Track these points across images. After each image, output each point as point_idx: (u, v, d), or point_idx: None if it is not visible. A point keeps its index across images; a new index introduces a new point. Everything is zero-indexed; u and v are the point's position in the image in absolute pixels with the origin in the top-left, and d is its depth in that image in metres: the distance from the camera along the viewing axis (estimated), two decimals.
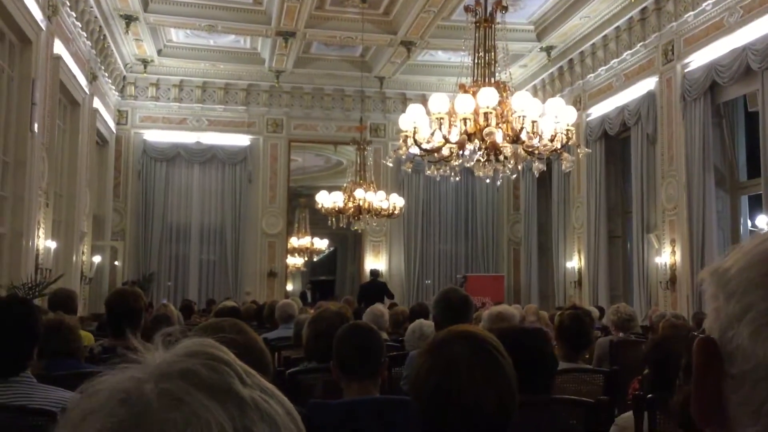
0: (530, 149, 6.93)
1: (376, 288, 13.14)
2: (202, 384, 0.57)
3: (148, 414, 0.55)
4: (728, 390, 0.70)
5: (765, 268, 0.69)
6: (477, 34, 7.56)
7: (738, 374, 0.69)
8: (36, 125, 9.66)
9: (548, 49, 14.40)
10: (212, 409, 0.56)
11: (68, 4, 11.08)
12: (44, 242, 10.29)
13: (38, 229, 9.98)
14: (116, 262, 15.45)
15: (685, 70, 11.14)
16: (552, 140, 6.85)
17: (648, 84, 12.13)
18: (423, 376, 1.61)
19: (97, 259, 14.26)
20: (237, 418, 0.56)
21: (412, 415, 1.75)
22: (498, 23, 7.60)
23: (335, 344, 2.75)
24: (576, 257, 14.39)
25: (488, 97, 6.69)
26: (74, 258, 12.03)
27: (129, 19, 13.03)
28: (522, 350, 2.34)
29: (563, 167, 7.55)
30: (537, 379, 2.36)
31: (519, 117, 6.67)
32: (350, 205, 12.42)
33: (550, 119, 6.86)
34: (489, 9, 7.56)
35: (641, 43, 12.14)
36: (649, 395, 2.83)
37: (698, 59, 10.86)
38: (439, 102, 6.77)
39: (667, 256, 11.47)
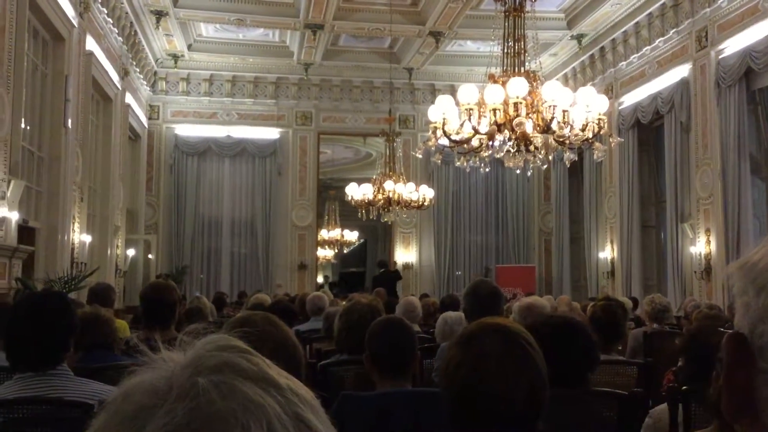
0: (561, 139, 6.86)
1: (387, 278, 13.27)
2: (245, 374, 0.58)
3: (208, 406, 0.55)
4: (760, 385, 0.68)
5: None
6: (506, 23, 7.50)
7: None
8: (69, 121, 9.81)
9: (579, 37, 14.24)
10: (263, 396, 0.57)
11: (99, 0, 11.21)
12: (79, 236, 10.46)
13: (73, 223, 10.14)
14: (150, 256, 15.65)
15: (720, 57, 10.94)
16: (583, 130, 6.77)
17: (681, 71, 11.94)
18: (453, 368, 1.60)
19: (131, 252, 14.46)
20: (284, 404, 0.58)
21: (443, 407, 1.74)
22: (527, 12, 7.52)
23: (368, 339, 2.75)
24: (609, 247, 14.25)
25: (518, 86, 6.64)
26: (109, 252, 12.21)
27: (159, 15, 13.16)
28: (559, 342, 2.33)
29: (595, 157, 7.47)
30: (574, 371, 2.34)
31: (549, 107, 6.60)
32: (380, 196, 12.42)
33: (582, 108, 6.78)
34: None
35: (674, 30, 11.94)
36: (684, 387, 2.80)
37: (733, 45, 10.66)
38: (468, 93, 6.73)
39: (702, 245, 11.30)
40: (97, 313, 3.55)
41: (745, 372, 0.70)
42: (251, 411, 0.56)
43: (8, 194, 7.58)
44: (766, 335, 0.68)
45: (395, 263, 16.48)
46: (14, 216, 7.74)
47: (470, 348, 1.61)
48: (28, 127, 9.12)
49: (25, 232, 8.52)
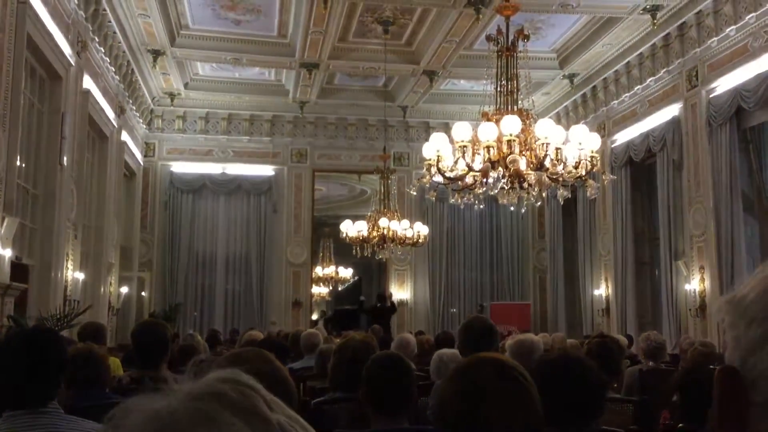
0: (554, 176, 6.90)
1: (383, 311, 13.38)
2: (231, 405, 0.59)
3: (175, 429, 0.56)
4: (754, 419, 0.68)
5: None
6: (499, 63, 7.59)
7: (763, 402, 0.67)
8: (65, 158, 9.83)
9: (571, 77, 14.41)
10: (239, 426, 0.57)
11: (97, 39, 11.32)
12: (73, 273, 10.41)
13: (67, 260, 10.10)
14: (143, 293, 15.57)
15: (710, 96, 11.07)
16: (576, 167, 6.81)
17: (672, 110, 12.07)
18: (448, 401, 1.59)
19: (124, 289, 14.38)
20: None
21: None
22: (520, 51, 7.61)
23: (365, 374, 2.73)
24: (603, 285, 14.24)
25: (511, 124, 6.69)
26: (102, 289, 12.14)
27: (156, 54, 13.28)
28: (563, 381, 2.30)
29: (588, 194, 7.51)
30: (579, 412, 2.31)
31: (542, 144, 6.66)
32: (374, 234, 12.42)
33: (574, 146, 6.83)
34: (511, 38, 7.59)
35: (665, 69, 12.10)
36: (680, 425, 2.78)
37: (723, 84, 10.80)
38: (462, 130, 6.79)
39: (696, 283, 11.30)
40: (90, 349, 3.51)
41: (738, 406, 0.69)
42: None
43: (2, 231, 7.56)
44: (757, 367, 0.68)
45: (391, 295, 16.43)
46: (7, 253, 7.71)
47: (465, 380, 1.60)
48: (24, 165, 9.13)
49: (18, 269, 8.47)
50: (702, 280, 11.17)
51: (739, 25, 10.24)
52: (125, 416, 0.59)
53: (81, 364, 3.29)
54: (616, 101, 13.70)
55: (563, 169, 6.81)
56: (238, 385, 0.63)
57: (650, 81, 12.55)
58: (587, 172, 6.89)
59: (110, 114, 12.63)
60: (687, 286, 11.57)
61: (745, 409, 0.69)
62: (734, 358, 0.71)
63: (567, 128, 7.16)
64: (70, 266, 10.25)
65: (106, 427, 0.59)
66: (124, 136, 13.81)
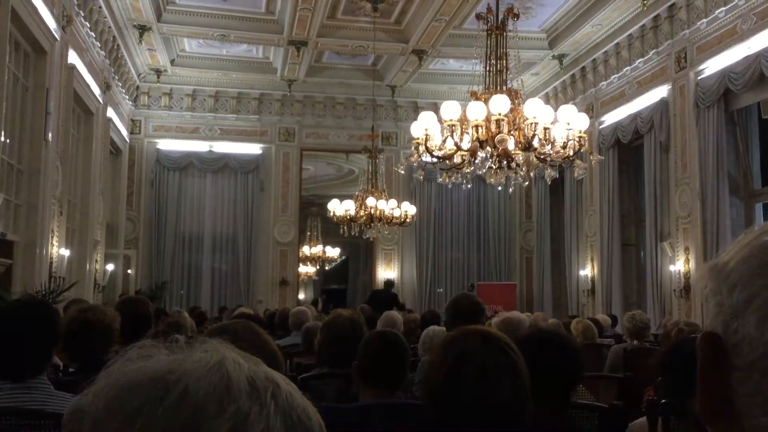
0: (542, 156, 6.91)
1: (386, 297, 13.26)
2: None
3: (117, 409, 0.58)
4: (736, 382, 0.69)
5: (766, 258, 0.69)
6: (489, 42, 7.56)
7: (745, 365, 0.68)
8: (50, 134, 9.73)
9: (560, 57, 14.39)
10: None
11: (82, 14, 11.18)
12: (58, 250, 10.35)
13: (52, 237, 10.03)
14: (129, 271, 15.52)
15: (698, 78, 11.09)
16: (564, 147, 6.82)
17: (661, 92, 12.08)
18: (435, 367, 1.61)
19: (110, 267, 14.32)
20: None
21: (424, 419, 1.74)
22: (509, 31, 7.59)
23: (363, 348, 2.74)
24: (589, 265, 14.32)
25: (500, 104, 6.68)
26: (87, 266, 12.09)
27: (142, 29, 13.13)
28: (541, 353, 2.32)
29: (576, 174, 7.52)
30: (557, 384, 2.33)
31: (531, 124, 6.65)
32: (362, 213, 12.42)
33: (563, 126, 6.84)
34: (500, 17, 7.56)
35: (654, 51, 12.10)
36: (664, 400, 2.81)
37: (711, 66, 10.82)
38: (450, 109, 6.77)
39: (681, 264, 11.39)
40: (101, 318, 3.37)
41: (720, 370, 0.70)
42: None
43: None
44: (740, 332, 0.69)
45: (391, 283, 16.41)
46: None
47: (452, 348, 1.61)
48: (8, 140, 9.03)
49: (2, 245, 8.42)
50: (687, 261, 11.25)
51: (728, 6, 10.25)
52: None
53: (89, 333, 3.20)
54: (604, 82, 13.71)
55: (551, 149, 6.81)
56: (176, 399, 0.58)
57: (639, 62, 12.56)
58: (575, 153, 6.90)
59: (96, 90, 12.50)
60: (672, 267, 11.66)
61: (728, 374, 0.70)
62: (717, 324, 0.72)
63: (555, 109, 7.15)
64: (55, 243, 10.19)
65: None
66: (110, 113, 13.69)
